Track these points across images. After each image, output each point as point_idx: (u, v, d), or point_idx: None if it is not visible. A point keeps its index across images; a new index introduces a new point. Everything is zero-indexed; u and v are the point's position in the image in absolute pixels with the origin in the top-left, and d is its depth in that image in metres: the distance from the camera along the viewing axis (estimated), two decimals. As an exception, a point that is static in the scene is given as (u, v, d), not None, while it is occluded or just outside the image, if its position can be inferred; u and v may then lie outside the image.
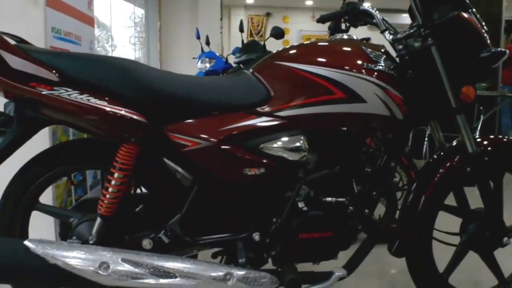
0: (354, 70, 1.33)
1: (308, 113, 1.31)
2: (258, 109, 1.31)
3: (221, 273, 1.24)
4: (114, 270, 1.16)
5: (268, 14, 11.33)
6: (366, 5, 1.54)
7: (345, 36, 1.54)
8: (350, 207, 1.40)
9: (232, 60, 3.90)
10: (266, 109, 1.32)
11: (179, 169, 1.42)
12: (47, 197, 1.63)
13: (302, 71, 1.33)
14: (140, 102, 1.22)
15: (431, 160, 1.58)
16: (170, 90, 1.26)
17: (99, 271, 1.15)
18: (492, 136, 1.59)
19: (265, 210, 1.39)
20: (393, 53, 1.46)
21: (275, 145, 1.31)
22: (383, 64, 1.36)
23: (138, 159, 1.28)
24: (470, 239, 1.56)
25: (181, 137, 1.26)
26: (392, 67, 1.38)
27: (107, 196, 1.28)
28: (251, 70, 1.40)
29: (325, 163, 1.39)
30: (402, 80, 1.39)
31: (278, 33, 3.23)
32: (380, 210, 1.57)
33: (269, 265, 1.41)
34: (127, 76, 1.22)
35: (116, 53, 5.28)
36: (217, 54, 4.20)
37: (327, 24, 1.76)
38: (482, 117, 3.95)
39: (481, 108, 3.99)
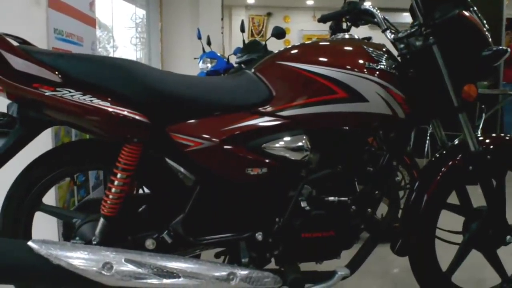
0: (356, 70, 1.33)
1: (310, 112, 1.31)
2: (260, 109, 1.32)
3: (224, 273, 1.24)
4: (117, 270, 1.16)
5: (269, 14, 11.32)
6: (367, 4, 1.54)
7: (347, 36, 1.55)
8: (353, 207, 1.40)
9: (233, 60, 3.89)
10: (268, 109, 1.32)
11: (182, 169, 1.42)
12: (50, 198, 1.64)
13: (304, 71, 1.33)
14: (142, 102, 1.22)
15: (433, 159, 1.58)
16: (172, 91, 1.26)
17: (103, 272, 1.15)
18: (494, 135, 1.59)
19: (267, 209, 1.39)
20: (395, 52, 1.46)
21: (277, 145, 1.31)
22: (384, 63, 1.36)
23: (141, 159, 1.29)
24: (473, 238, 1.56)
25: (184, 137, 1.26)
26: (393, 66, 1.38)
27: (110, 196, 1.28)
28: (252, 70, 1.40)
29: (328, 162, 1.40)
30: (404, 79, 1.39)
31: (279, 33, 3.23)
32: (382, 209, 1.57)
33: (272, 264, 1.41)
34: (129, 77, 1.22)
35: (118, 54, 5.28)
36: (219, 54, 4.20)
37: (328, 23, 1.77)
38: (484, 115, 3.93)
39: (483, 106, 3.98)
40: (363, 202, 1.42)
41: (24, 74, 1.14)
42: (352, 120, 1.36)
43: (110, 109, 1.18)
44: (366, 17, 1.58)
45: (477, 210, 1.58)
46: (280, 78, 1.36)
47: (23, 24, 1.66)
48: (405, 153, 2.26)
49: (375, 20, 1.51)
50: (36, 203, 1.35)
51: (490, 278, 1.77)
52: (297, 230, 1.36)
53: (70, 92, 1.16)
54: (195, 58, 4.52)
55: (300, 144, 1.33)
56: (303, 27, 11.08)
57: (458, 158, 1.52)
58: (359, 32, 1.56)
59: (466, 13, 1.40)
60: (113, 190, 1.28)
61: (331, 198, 1.38)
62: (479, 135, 1.55)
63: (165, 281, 1.19)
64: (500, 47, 1.41)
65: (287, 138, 1.33)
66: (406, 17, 1.58)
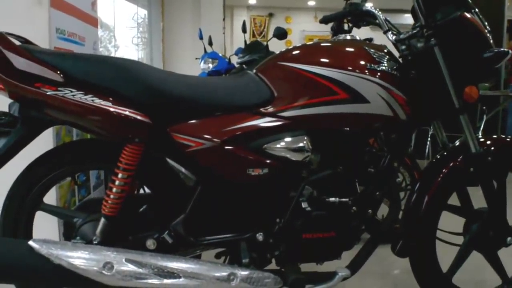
0: (357, 71, 1.33)
1: (311, 113, 1.31)
2: (261, 109, 1.32)
3: (224, 273, 1.24)
4: (118, 270, 1.16)
5: (270, 15, 11.33)
6: (369, 6, 1.54)
7: (348, 37, 1.54)
8: (354, 207, 1.40)
9: (235, 60, 3.90)
10: (270, 109, 1.32)
11: (183, 170, 1.42)
12: (51, 198, 1.64)
13: (305, 72, 1.33)
14: (143, 102, 1.22)
15: (434, 160, 1.58)
16: (173, 91, 1.26)
17: (103, 271, 1.15)
18: (495, 136, 1.59)
19: (268, 210, 1.39)
20: (396, 54, 1.46)
21: (278, 146, 1.32)
22: (386, 65, 1.37)
23: (142, 159, 1.29)
24: (474, 239, 1.56)
25: (185, 138, 1.26)
26: (395, 67, 1.38)
27: (111, 196, 1.28)
28: (254, 70, 1.41)
29: (328, 163, 1.40)
30: (405, 81, 1.39)
31: (281, 34, 3.23)
32: (383, 210, 1.57)
33: (273, 265, 1.41)
34: (131, 77, 1.22)
35: (119, 54, 5.28)
36: (220, 55, 4.20)
37: (330, 24, 1.76)
38: (485, 117, 3.94)
39: (484, 108, 3.99)
40: (364, 203, 1.42)
41: (26, 74, 1.15)
42: (353, 121, 1.36)
43: (111, 109, 1.18)
44: (368, 18, 1.58)
45: (477, 212, 1.57)
46: (281, 79, 1.36)
47: (25, 24, 1.66)
48: (406, 154, 2.27)
49: (377, 21, 1.51)
50: (37, 202, 1.35)
51: (490, 279, 1.76)
52: (298, 231, 1.36)
53: (71, 91, 1.17)
54: (196, 59, 4.52)
55: (301, 144, 1.33)
56: (305, 28, 11.08)
57: (459, 159, 1.52)
58: (361, 33, 1.56)
59: (468, 15, 1.40)
60: (114, 190, 1.28)
61: (332, 199, 1.38)
62: (480, 136, 1.55)
63: (166, 281, 1.19)
64: (502, 49, 1.41)
65: (288, 139, 1.33)
66: (408, 19, 1.58)
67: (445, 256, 1.61)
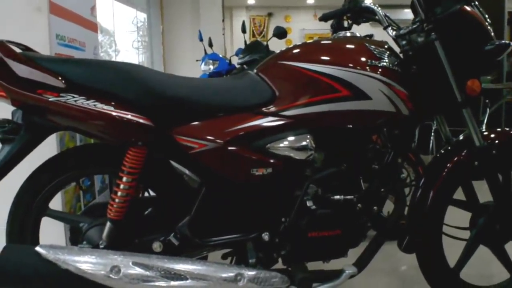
0: (358, 67, 1.33)
1: (313, 111, 1.31)
2: (263, 109, 1.32)
3: (231, 274, 1.25)
4: (125, 273, 1.16)
5: (269, 14, 11.33)
6: (368, 2, 1.54)
7: (348, 34, 1.54)
8: (359, 205, 1.39)
9: (235, 61, 3.90)
10: (272, 109, 1.32)
11: (187, 172, 1.43)
12: (56, 203, 1.64)
13: (306, 70, 1.33)
14: (146, 105, 1.22)
15: (438, 155, 1.58)
16: (175, 93, 1.27)
17: (111, 275, 1.16)
18: (499, 129, 1.58)
19: (273, 210, 1.39)
20: (397, 49, 1.46)
21: (281, 145, 1.32)
22: (387, 61, 1.36)
23: (146, 162, 1.29)
24: (480, 233, 1.55)
25: (188, 140, 1.26)
26: (396, 63, 1.38)
27: (116, 200, 1.29)
28: (255, 70, 1.41)
29: (332, 161, 1.39)
30: (407, 76, 1.38)
31: (281, 33, 3.23)
32: (388, 207, 1.56)
33: (279, 264, 1.41)
34: (132, 81, 1.23)
35: (120, 58, 5.29)
36: (221, 56, 4.20)
37: (329, 22, 1.76)
38: (488, 110, 3.92)
39: (487, 101, 3.97)
40: (369, 200, 1.42)
41: (27, 81, 1.15)
42: (356, 118, 1.35)
43: (114, 113, 1.18)
44: (367, 15, 1.58)
45: (483, 206, 1.57)
46: (282, 78, 1.36)
47: (26, 31, 1.67)
48: (409, 150, 2.26)
49: (376, 17, 1.51)
50: (43, 208, 1.36)
51: (498, 273, 1.76)
52: (303, 230, 1.36)
53: (73, 97, 1.17)
54: (197, 60, 4.52)
55: (304, 143, 1.33)
56: (304, 26, 11.07)
57: (463, 153, 1.52)
58: (361, 30, 1.56)
59: (468, 8, 1.40)
60: (119, 193, 1.29)
61: (337, 197, 1.38)
62: (483, 130, 1.55)
63: (173, 283, 1.19)
64: (503, 41, 1.40)
65: (291, 138, 1.33)
66: (407, 14, 1.57)
67: (452, 251, 1.61)
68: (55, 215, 1.42)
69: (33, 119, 1.24)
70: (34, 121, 1.24)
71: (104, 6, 4.45)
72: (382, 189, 1.44)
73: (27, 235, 1.35)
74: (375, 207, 1.43)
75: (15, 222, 1.34)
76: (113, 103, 1.19)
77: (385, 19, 1.48)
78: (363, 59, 1.34)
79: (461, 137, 1.56)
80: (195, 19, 5.83)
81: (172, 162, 1.40)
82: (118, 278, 1.16)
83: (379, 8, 1.50)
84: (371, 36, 1.66)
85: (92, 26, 2.21)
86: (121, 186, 1.28)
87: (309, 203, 1.35)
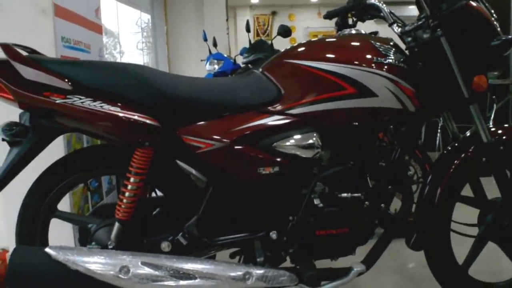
0: (364, 65, 1.32)
1: (319, 109, 1.31)
2: (269, 108, 1.32)
3: (240, 273, 1.25)
4: (134, 273, 1.17)
5: (273, 13, 11.31)
6: (373, -1, 1.54)
7: (353, 31, 1.54)
8: (366, 202, 1.39)
9: (240, 60, 3.90)
10: (278, 107, 1.32)
11: (193, 171, 1.43)
12: (65, 205, 1.65)
13: (312, 68, 1.33)
14: (152, 106, 1.23)
15: (445, 151, 1.57)
16: (181, 93, 1.27)
17: (120, 275, 1.16)
18: (506, 125, 1.57)
19: (281, 208, 1.39)
20: (402, 46, 1.46)
21: (288, 143, 1.32)
22: (392, 57, 1.36)
23: (153, 162, 1.29)
24: (489, 230, 1.55)
25: (195, 139, 1.27)
26: (401, 60, 1.38)
27: (124, 200, 1.29)
28: (260, 69, 1.41)
29: (339, 159, 1.39)
30: (413, 73, 1.38)
31: (285, 31, 3.23)
32: (396, 204, 1.56)
33: (287, 263, 1.41)
34: (138, 81, 1.23)
35: (124, 59, 5.30)
36: (225, 55, 4.20)
37: (334, 20, 1.76)
38: (495, 106, 3.90)
39: (494, 97, 3.95)
40: (376, 197, 1.42)
41: (34, 83, 1.16)
42: (362, 116, 1.35)
43: (120, 114, 1.19)
44: (372, 12, 1.58)
45: (491, 202, 1.56)
46: (288, 77, 1.36)
47: (31, 34, 1.68)
48: (416, 147, 2.25)
49: (381, 14, 1.50)
50: (51, 210, 1.37)
51: (507, 269, 1.75)
52: (311, 228, 1.36)
53: (80, 99, 1.18)
54: (202, 60, 4.53)
55: (311, 141, 1.33)
56: (309, 25, 11.05)
57: (470, 150, 1.51)
58: (366, 27, 1.55)
59: (473, 3, 1.39)
60: (126, 194, 1.29)
61: (344, 195, 1.38)
62: (491, 126, 1.54)
63: (182, 282, 1.20)
64: (509, 36, 1.39)
65: (297, 136, 1.33)
66: (413, 10, 1.56)
67: (460, 248, 1.60)
68: (64, 216, 1.43)
69: (40, 121, 1.25)
70: (41, 124, 1.25)
71: (108, 8, 4.47)
72: (389, 187, 1.43)
73: (36, 237, 1.36)
74: (382, 205, 1.43)
75: (25, 224, 1.35)
76: (119, 104, 1.20)
77: (390, 16, 1.47)
78: (368, 56, 1.34)
79: (468, 134, 1.55)
80: (199, 19, 5.83)
81: (179, 162, 1.40)
82: (128, 278, 1.17)
83: (384, 5, 1.49)
84: (376, 33, 1.65)
85: (97, 28, 2.22)
86: (129, 187, 1.29)
87: (316, 201, 1.35)
